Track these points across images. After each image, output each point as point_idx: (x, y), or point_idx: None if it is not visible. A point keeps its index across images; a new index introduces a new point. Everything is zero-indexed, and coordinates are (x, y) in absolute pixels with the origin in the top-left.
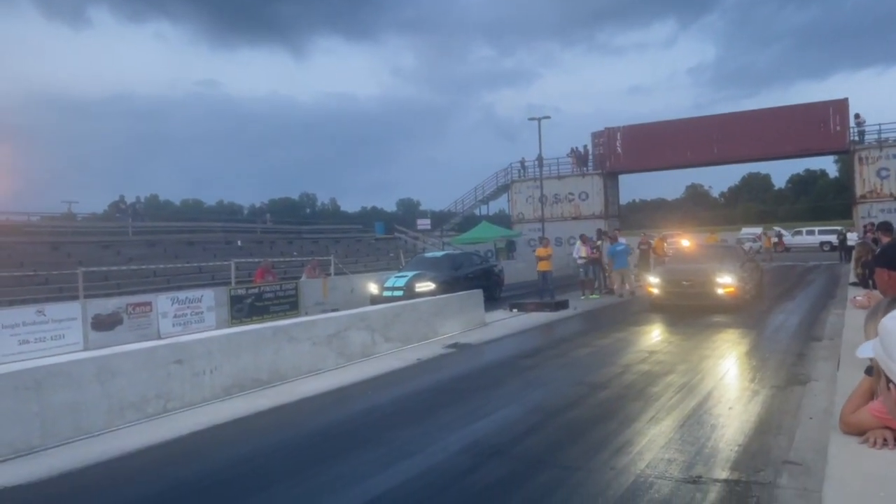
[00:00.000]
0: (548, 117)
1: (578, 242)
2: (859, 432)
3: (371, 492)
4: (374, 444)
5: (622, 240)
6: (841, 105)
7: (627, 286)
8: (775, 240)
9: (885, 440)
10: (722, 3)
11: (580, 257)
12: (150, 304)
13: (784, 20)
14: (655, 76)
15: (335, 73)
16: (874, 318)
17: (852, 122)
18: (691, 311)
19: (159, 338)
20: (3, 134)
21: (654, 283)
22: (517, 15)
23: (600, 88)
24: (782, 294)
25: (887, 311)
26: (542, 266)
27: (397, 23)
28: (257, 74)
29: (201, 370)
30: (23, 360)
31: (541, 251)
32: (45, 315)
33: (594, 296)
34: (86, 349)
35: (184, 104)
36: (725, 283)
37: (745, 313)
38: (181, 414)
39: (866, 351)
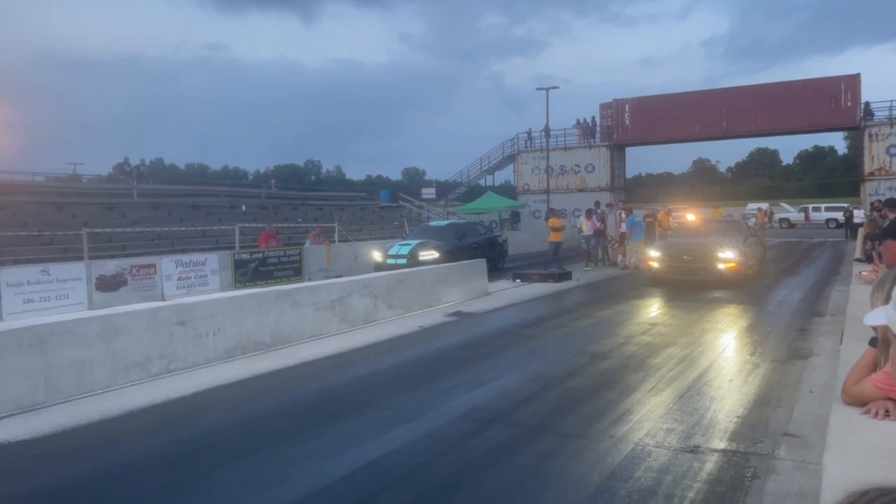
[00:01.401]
0: (556, 87)
1: (583, 215)
2: (861, 403)
3: (371, 454)
4: (375, 408)
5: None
6: (853, 81)
7: (635, 259)
8: (796, 216)
9: (886, 411)
10: None
11: (581, 229)
12: (154, 266)
13: None
14: (668, 48)
15: (344, 39)
16: (881, 290)
17: (862, 106)
18: (694, 286)
19: (163, 300)
20: (10, 93)
21: (654, 256)
22: None
23: (612, 60)
24: (786, 270)
25: (895, 282)
26: (554, 237)
27: None
28: (265, 38)
29: (204, 332)
30: (27, 318)
31: (553, 222)
32: (49, 274)
33: (594, 268)
34: (90, 309)
35: (191, 67)
36: (727, 258)
37: (747, 288)
38: (184, 374)
39: (875, 318)
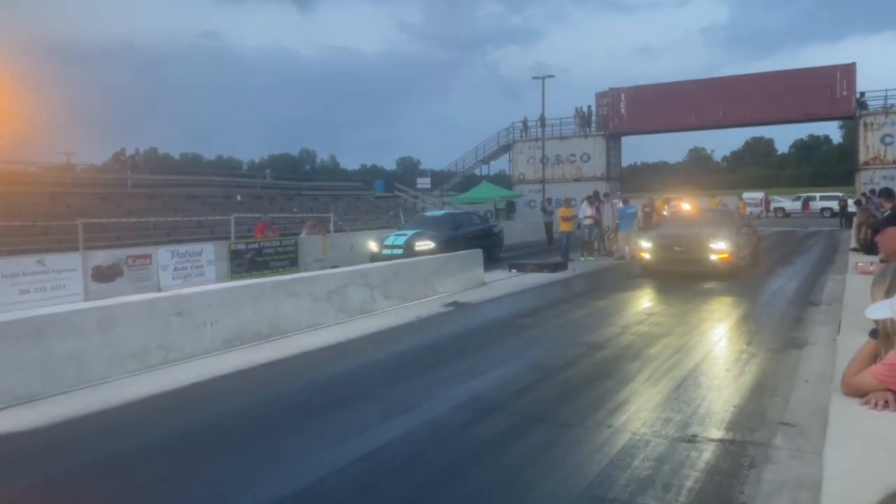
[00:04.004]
0: (551, 76)
1: (585, 203)
2: (861, 394)
3: (370, 444)
4: (373, 398)
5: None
6: (848, 70)
7: (627, 249)
8: (790, 205)
9: (886, 402)
10: None
11: (586, 217)
12: (150, 256)
13: None
14: (667, 36)
15: (340, 27)
16: (881, 282)
17: (857, 96)
18: (688, 276)
19: (159, 290)
20: (2, 81)
21: (645, 247)
22: None
23: (610, 48)
24: (780, 260)
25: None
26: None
27: None
28: (261, 26)
29: (202, 322)
30: (23, 309)
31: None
32: (44, 265)
33: (591, 258)
34: (86, 300)
35: (186, 56)
36: (719, 248)
37: (741, 279)
38: (182, 365)
39: (880, 311)
